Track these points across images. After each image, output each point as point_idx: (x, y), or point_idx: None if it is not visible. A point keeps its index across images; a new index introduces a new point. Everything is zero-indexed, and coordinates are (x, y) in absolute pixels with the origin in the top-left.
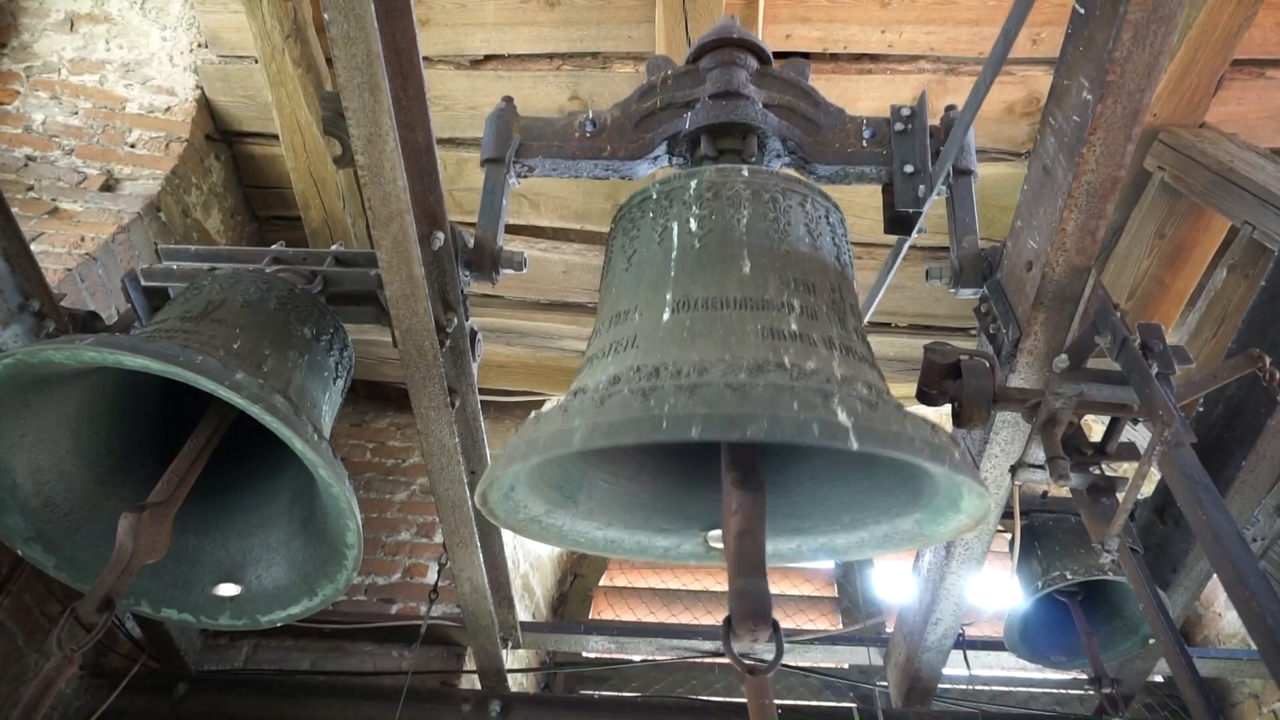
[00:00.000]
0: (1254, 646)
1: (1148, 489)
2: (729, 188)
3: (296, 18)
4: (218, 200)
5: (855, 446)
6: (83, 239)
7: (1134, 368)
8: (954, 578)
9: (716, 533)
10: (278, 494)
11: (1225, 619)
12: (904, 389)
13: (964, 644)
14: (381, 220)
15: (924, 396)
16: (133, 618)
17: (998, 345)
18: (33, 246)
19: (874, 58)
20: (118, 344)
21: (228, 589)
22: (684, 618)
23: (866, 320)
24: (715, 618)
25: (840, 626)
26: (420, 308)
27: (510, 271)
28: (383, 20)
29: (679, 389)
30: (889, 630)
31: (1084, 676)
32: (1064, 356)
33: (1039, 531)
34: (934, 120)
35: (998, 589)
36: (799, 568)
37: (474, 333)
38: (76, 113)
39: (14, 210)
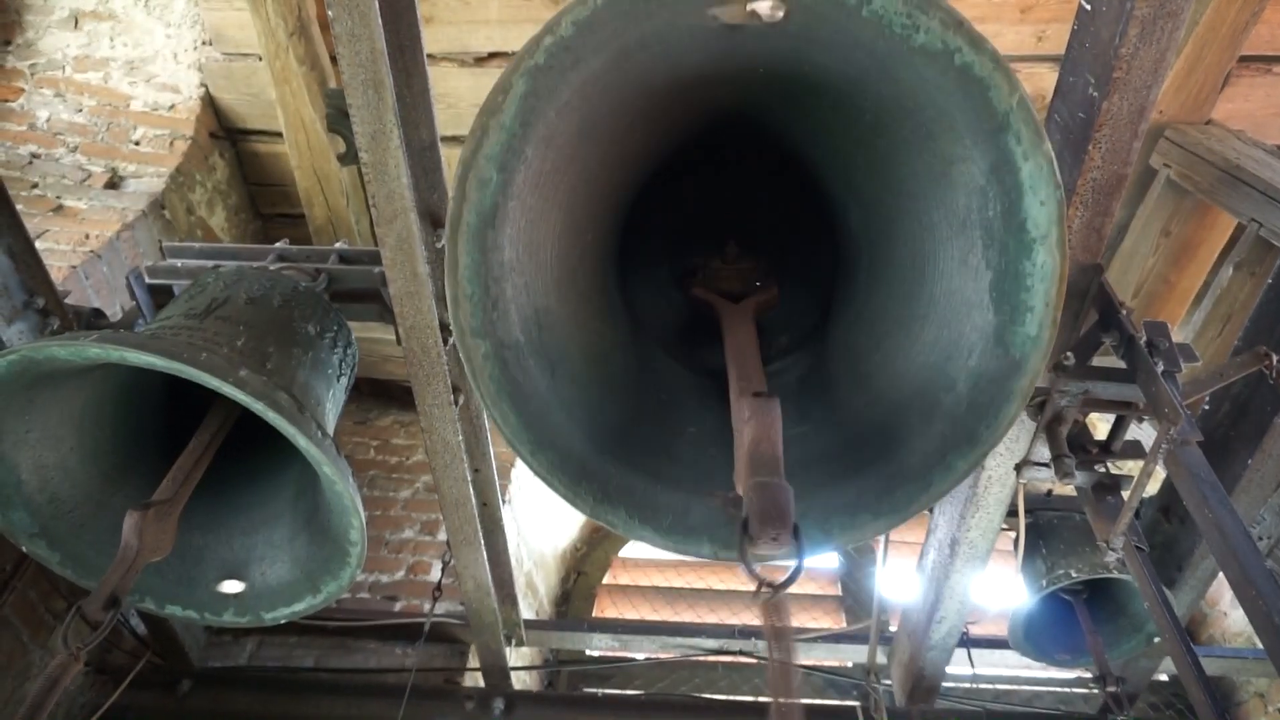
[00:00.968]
0: (1260, 645)
1: (1153, 487)
2: None
3: (301, 15)
4: (222, 198)
5: None
6: (87, 236)
7: (1140, 365)
8: (958, 576)
9: None
10: (282, 491)
11: (1231, 617)
12: None
13: (968, 642)
14: (385, 218)
15: None
16: (137, 614)
17: None
18: (37, 244)
19: None
20: (122, 341)
21: (232, 586)
22: (688, 616)
23: None
24: (719, 616)
25: (844, 625)
26: (424, 305)
27: None
28: (387, 17)
29: None
30: (893, 629)
31: (1088, 675)
32: (1069, 354)
33: (1044, 530)
34: None
35: (1002, 587)
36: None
37: None
38: (81, 110)
39: (19, 208)
